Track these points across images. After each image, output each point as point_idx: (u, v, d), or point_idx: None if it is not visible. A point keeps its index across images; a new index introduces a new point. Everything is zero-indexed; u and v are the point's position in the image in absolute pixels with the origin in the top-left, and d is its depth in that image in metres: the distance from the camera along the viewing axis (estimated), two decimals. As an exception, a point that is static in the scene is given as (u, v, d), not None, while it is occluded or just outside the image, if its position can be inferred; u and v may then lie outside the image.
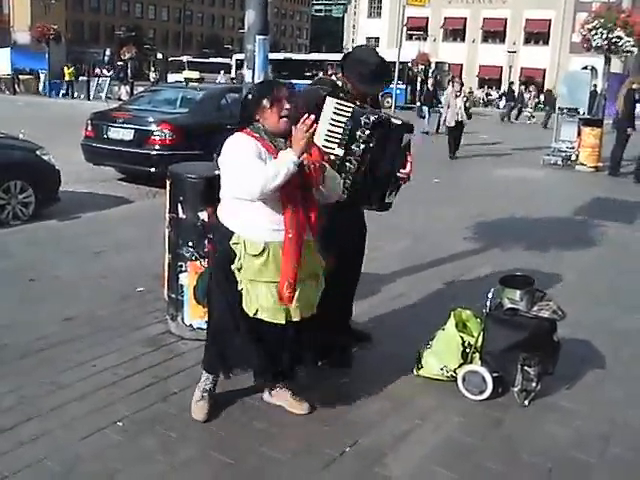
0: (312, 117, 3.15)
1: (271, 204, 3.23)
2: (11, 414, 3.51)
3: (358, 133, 3.77)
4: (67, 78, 36.09)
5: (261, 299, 3.28)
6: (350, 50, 4.15)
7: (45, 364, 4.11)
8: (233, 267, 3.30)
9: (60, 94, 36.27)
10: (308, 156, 3.23)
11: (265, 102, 3.28)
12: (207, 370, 3.62)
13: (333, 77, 4.22)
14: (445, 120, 15.43)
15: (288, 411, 3.65)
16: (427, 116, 22.14)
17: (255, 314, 3.29)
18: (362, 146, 3.78)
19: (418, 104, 22.43)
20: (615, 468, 3.35)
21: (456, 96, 15.79)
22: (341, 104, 3.79)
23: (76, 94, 35.80)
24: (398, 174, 4.01)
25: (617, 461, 3.40)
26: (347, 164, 3.81)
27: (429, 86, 23.80)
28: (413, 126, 4.16)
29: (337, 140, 3.79)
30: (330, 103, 3.79)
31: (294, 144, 3.16)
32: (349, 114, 3.77)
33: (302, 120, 3.13)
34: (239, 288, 3.31)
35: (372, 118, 3.77)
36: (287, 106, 3.27)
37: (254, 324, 3.33)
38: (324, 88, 3.98)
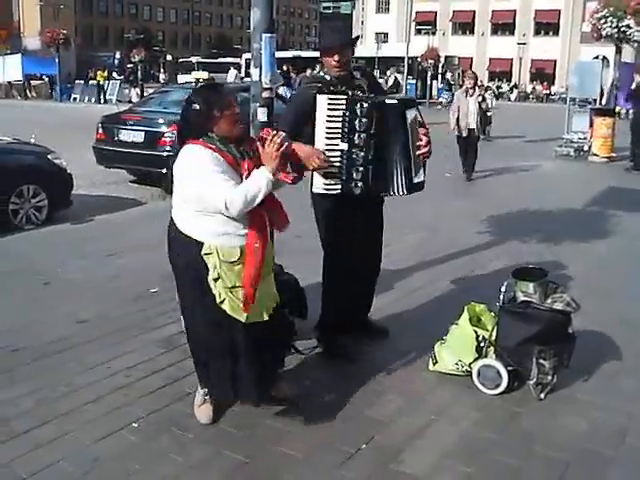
0: (282, 134, 3.16)
1: None
2: (28, 417, 3.54)
3: (356, 123, 3.79)
4: (100, 82, 36.24)
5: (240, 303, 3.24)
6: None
7: (60, 366, 4.14)
8: (209, 278, 3.19)
9: (71, 98, 36.48)
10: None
11: (216, 112, 3.16)
12: (201, 384, 3.58)
13: (321, 73, 4.23)
14: (455, 127, 11.62)
15: (301, 408, 3.65)
16: None
17: (247, 319, 3.25)
18: (363, 135, 3.80)
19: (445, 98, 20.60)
20: (632, 461, 3.33)
21: (467, 95, 11.79)
22: (333, 98, 3.80)
23: (86, 98, 35.96)
24: (417, 152, 3.98)
25: (634, 454, 3.37)
26: (354, 156, 3.82)
27: (459, 82, 21.25)
28: (414, 100, 4.16)
29: (339, 135, 3.81)
30: (322, 101, 3.80)
31: (267, 162, 3.14)
32: (343, 106, 3.79)
33: (271, 138, 3.12)
34: (219, 300, 3.21)
35: (365, 105, 3.80)
36: (237, 110, 3.21)
37: (242, 332, 3.27)
38: (312, 87, 3.98)
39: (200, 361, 3.47)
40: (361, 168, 3.84)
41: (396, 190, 3.99)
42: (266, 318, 3.34)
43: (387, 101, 3.95)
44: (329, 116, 3.80)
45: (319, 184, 3.89)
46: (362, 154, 3.83)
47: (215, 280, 3.20)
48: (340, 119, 3.79)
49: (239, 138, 3.26)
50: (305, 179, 3.71)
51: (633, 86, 15.04)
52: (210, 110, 3.16)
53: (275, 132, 3.17)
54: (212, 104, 3.17)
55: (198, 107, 3.19)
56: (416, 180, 4.02)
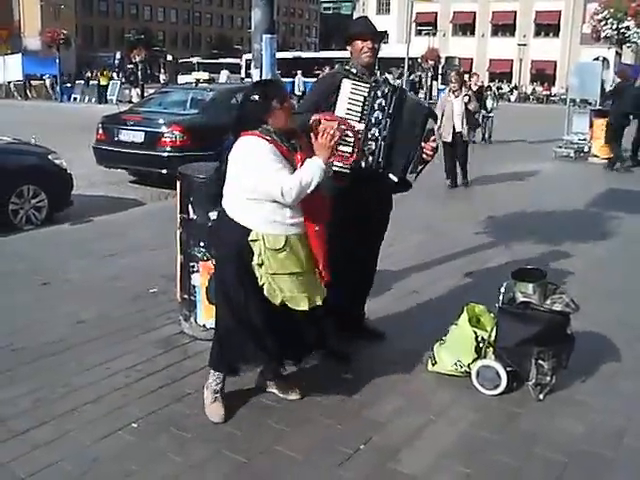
0: (335, 125, 3.31)
1: None
2: (27, 417, 3.54)
3: (376, 104, 3.94)
4: (103, 83, 36.21)
5: (285, 290, 3.37)
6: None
7: (59, 367, 4.14)
8: (254, 263, 3.34)
9: (71, 98, 36.50)
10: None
11: (275, 103, 3.30)
12: (216, 368, 3.64)
13: (346, 67, 4.28)
14: (460, 131, 10.71)
15: (300, 409, 3.67)
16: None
17: (281, 303, 3.38)
18: (380, 113, 3.93)
19: None
20: (630, 462, 3.33)
21: (453, 95, 10.93)
22: (357, 84, 3.96)
23: (87, 98, 35.99)
24: (423, 152, 4.05)
25: (632, 455, 3.38)
26: (370, 134, 3.93)
27: (472, 85, 17.53)
28: (435, 113, 4.30)
29: (357, 117, 3.92)
30: (347, 84, 3.94)
31: (320, 151, 3.30)
32: (366, 92, 3.95)
33: (325, 129, 3.28)
34: (260, 283, 3.36)
35: (386, 89, 3.97)
36: (293, 104, 3.36)
37: (271, 316, 3.40)
38: (340, 73, 4.12)
39: (228, 335, 3.52)
40: (373, 143, 3.94)
41: (392, 172, 4.03)
42: (305, 308, 3.41)
43: (409, 94, 4.18)
44: (350, 99, 3.93)
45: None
46: (376, 129, 3.95)
47: (259, 265, 3.33)
48: (360, 103, 3.94)
49: (292, 131, 3.37)
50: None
51: (610, 87, 15.11)
52: (269, 101, 3.29)
53: (328, 121, 3.31)
54: (271, 96, 3.31)
55: (257, 98, 3.32)
56: (408, 176, 4.08)
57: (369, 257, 4.49)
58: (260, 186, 3.26)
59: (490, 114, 17.95)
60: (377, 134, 3.94)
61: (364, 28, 4.22)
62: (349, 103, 3.94)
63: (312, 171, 3.25)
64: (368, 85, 3.96)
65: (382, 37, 4.37)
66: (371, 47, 4.11)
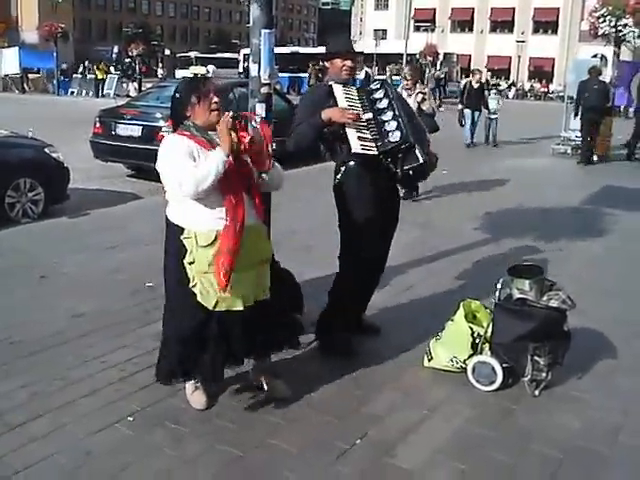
0: (230, 113, 3.24)
1: (214, 194, 3.26)
2: (23, 410, 3.54)
3: (373, 96, 4.09)
4: (100, 77, 36.06)
5: (216, 290, 3.31)
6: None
7: (56, 360, 4.14)
8: (185, 261, 3.32)
9: (69, 92, 36.40)
10: (248, 144, 3.26)
11: (193, 99, 3.33)
12: (161, 381, 3.62)
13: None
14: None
15: (296, 403, 3.67)
16: (469, 123, 16.24)
17: (215, 306, 3.32)
18: (385, 100, 4.06)
19: (459, 107, 16.54)
20: (626, 459, 3.34)
21: (405, 93, 9.07)
22: (345, 88, 4.07)
23: (84, 92, 35.91)
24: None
25: (628, 452, 3.38)
26: (382, 117, 4.02)
27: (474, 83, 16.30)
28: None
29: (360, 110, 4.02)
30: (337, 88, 4.05)
31: (220, 141, 3.23)
32: (355, 91, 4.10)
33: (223, 117, 3.23)
34: (191, 285, 3.33)
35: (376, 85, 4.19)
36: (215, 99, 3.33)
37: (211, 319, 3.35)
38: (324, 83, 4.24)
39: (169, 342, 3.54)
40: (393, 121, 3.99)
41: (420, 149, 4.06)
42: (239, 308, 3.34)
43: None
44: (347, 98, 4.03)
45: (356, 144, 3.96)
46: (389, 112, 4.03)
47: (190, 264, 3.32)
48: (357, 99, 4.07)
49: (215, 126, 3.31)
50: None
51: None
52: (188, 96, 3.34)
53: (229, 113, 3.26)
54: (190, 91, 3.35)
55: (177, 95, 3.41)
56: (418, 160, 4.09)
57: (386, 257, 4.52)
58: (165, 182, 3.31)
59: (494, 115, 16.46)
60: (391, 115, 4.00)
61: (345, 47, 4.25)
62: (347, 100, 4.02)
63: (209, 162, 3.18)
64: (354, 87, 4.15)
65: (362, 56, 4.56)
66: (351, 66, 4.18)
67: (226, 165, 3.19)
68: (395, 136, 3.95)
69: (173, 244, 3.41)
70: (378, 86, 4.16)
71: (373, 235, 4.17)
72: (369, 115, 4.01)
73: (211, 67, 41.17)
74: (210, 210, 3.28)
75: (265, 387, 3.70)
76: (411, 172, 4.09)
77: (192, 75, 18.58)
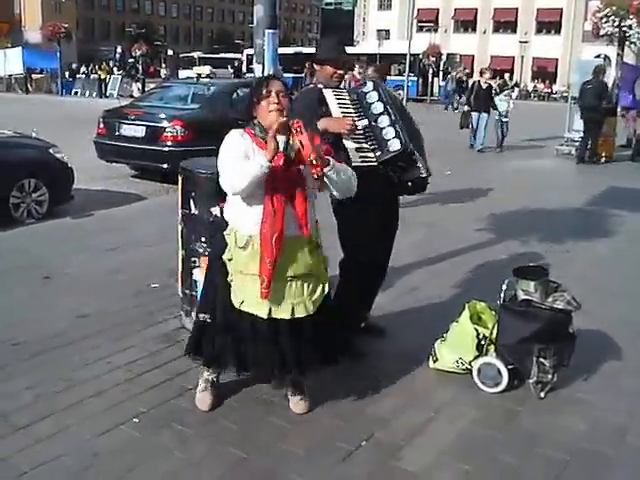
0: (283, 120, 3.14)
1: (258, 198, 3.24)
2: (28, 411, 3.54)
3: (366, 100, 3.98)
4: (102, 76, 36.14)
5: (246, 291, 3.31)
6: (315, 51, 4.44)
7: (61, 361, 4.14)
8: (224, 257, 3.36)
9: (72, 92, 36.44)
10: (305, 152, 3.11)
11: (255, 99, 3.31)
12: (186, 353, 3.68)
13: (311, 85, 4.31)
14: None
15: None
16: (476, 126, 15.39)
17: (240, 305, 3.33)
18: (380, 104, 3.96)
19: (465, 109, 15.60)
20: (632, 461, 3.33)
21: None
22: (336, 91, 4.01)
23: (87, 92, 35.97)
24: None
25: (634, 454, 3.38)
26: (379, 123, 3.93)
27: (482, 83, 15.40)
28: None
29: (355, 116, 3.94)
30: (329, 93, 3.96)
31: (267, 147, 3.14)
32: (347, 95, 4.01)
33: (274, 126, 3.12)
34: (229, 279, 3.37)
35: (368, 83, 4.09)
36: (276, 100, 3.24)
37: (238, 318, 3.36)
38: (314, 87, 4.14)
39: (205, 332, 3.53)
40: (390, 128, 3.91)
41: (422, 158, 4.04)
42: (263, 315, 3.30)
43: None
44: (339, 104, 3.94)
45: (356, 157, 3.90)
46: (386, 118, 3.93)
47: (229, 260, 3.35)
48: (350, 103, 3.97)
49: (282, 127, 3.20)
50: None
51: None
52: (252, 96, 3.34)
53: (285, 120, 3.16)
54: (254, 90, 3.33)
55: (249, 93, 3.40)
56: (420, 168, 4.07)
57: (387, 259, 4.49)
58: (220, 176, 3.27)
59: (505, 118, 15.61)
60: (388, 121, 3.92)
61: (337, 56, 4.18)
62: (340, 107, 3.93)
63: (249, 165, 3.14)
64: (345, 89, 4.10)
65: (353, 63, 4.54)
66: (342, 74, 4.19)
67: (266, 170, 3.10)
68: (394, 145, 3.87)
69: (219, 237, 3.46)
70: (371, 88, 4.04)
71: (370, 239, 4.14)
72: (365, 122, 3.93)
73: (207, 67, 41.31)
74: (251, 213, 3.27)
75: (289, 398, 3.67)
76: (410, 183, 4.09)
77: (196, 75, 18.61)
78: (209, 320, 3.49)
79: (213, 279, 3.50)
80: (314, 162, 3.09)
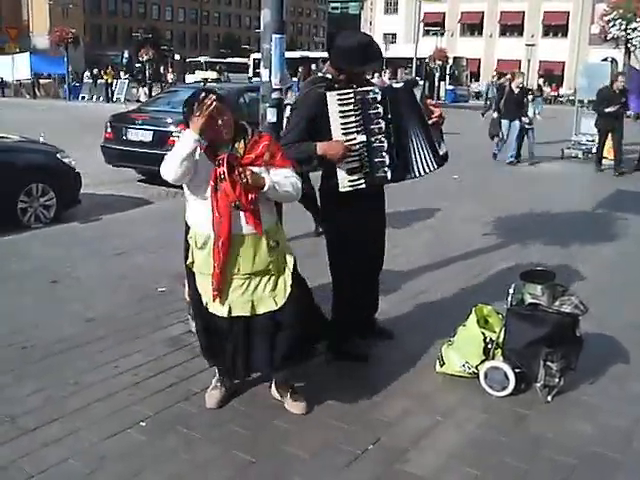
0: (212, 96, 3.21)
1: (209, 202, 3.30)
2: (36, 414, 3.55)
3: (371, 112, 3.82)
4: (109, 80, 36.40)
5: (208, 292, 3.41)
6: (333, 40, 4.05)
7: (68, 365, 4.15)
8: (188, 262, 3.50)
9: (79, 97, 36.60)
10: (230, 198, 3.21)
11: (188, 113, 3.30)
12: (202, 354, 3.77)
13: (319, 73, 4.20)
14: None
15: (305, 410, 3.66)
16: (506, 136, 14.05)
17: (205, 305, 3.44)
18: (381, 121, 3.83)
19: (495, 115, 14.19)
20: (639, 465, 3.32)
21: None
22: (341, 94, 3.80)
23: (94, 97, 36.12)
24: (431, 122, 3.99)
25: (642, 457, 3.37)
26: (375, 145, 3.84)
27: (513, 87, 13.89)
28: (416, 79, 4.24)
29: (355, 128, 3.82)
30: (332, 98, 3.79)
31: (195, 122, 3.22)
32: (352, 99, 3.80)
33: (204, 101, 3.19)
34: (197, 281, 3.50)
35: (377, 90, 3.85)
36: (199, 114, 3.20)
37: (208, 318, 3.48)
38: (320, 86, 3.95)
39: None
40: (385, 154, 3.86)
41: (425, 168, 4.00)
42: (224, 314, 3.39)
43: (395, 85, 4.00)
44: (342, 112, 3.79)
45: (345, 182, 3.84)
46: (383, 140, 3.85)
47: (192, 263, 3.47)
48: (353, 112, 3.80)
49: (210, 139, 3.31)
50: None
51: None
52: (185, 111, 3.34)
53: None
54: (186, 105, 3.32)
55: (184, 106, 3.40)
56: (441, 152, 4.05)
57: (378, 260, 4.48)
58: None
59: (530, 125, 14.09)
60: (386, 145, 3.85)
61: (359, 64, 3.93)
62: (341, 117, 3.79)
63: (181, 141, 3.23)
64: (352, 91, 3.81)
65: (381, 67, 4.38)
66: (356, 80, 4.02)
67: (194, 144, 3.18)
68: (386, 174, 3.86)
69: (186, 243, 3.58)
70: (378, 99, 3.81)
71: (356, 241, 4.07)
72: (363, 138, 3.80)
73: (200, 73, 42.01)
74: (206, 215, 3.33)
75: (283, 401, 3.69)
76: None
77: (201, 79, 18.67)
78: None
79: (191, 284, 3.61)
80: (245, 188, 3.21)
